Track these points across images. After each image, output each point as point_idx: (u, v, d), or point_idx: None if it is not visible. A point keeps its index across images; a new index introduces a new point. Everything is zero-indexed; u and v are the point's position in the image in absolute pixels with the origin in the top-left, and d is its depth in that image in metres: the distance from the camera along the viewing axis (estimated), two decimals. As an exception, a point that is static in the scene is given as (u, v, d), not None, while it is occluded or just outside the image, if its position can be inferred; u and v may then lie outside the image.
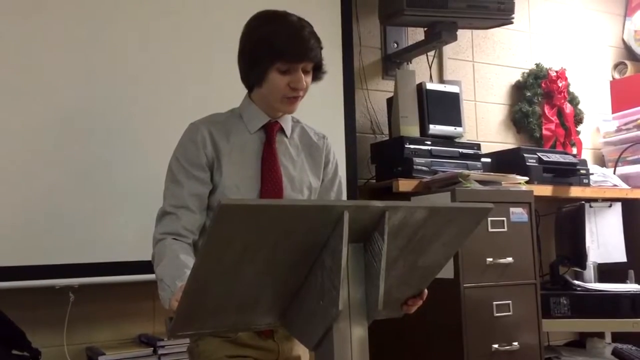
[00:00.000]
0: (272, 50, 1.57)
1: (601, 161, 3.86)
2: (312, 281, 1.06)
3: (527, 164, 3.06)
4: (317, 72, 1.68)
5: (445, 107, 2.95)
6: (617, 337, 3.13)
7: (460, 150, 2.91)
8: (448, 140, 2.92)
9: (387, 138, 3.03)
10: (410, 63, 3.27)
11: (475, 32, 3.53)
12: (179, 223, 1.58)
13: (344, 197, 1.89)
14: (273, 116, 1.72)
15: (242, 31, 1.68)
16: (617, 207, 3.40)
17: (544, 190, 3.06)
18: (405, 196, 2.66)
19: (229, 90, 1.78)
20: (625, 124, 3.74)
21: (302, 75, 1.61)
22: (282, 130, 1.74)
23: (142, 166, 2.30)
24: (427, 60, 3.30)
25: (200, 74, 2.47)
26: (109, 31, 2.35)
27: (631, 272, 3.05)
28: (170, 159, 1.68)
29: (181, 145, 1.68)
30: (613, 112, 3.86)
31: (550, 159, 3.14)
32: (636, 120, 3.68)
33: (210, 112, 1.77)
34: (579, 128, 3.73)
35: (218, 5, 2.55)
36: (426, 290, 1.33)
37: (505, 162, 3.10)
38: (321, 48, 1.65)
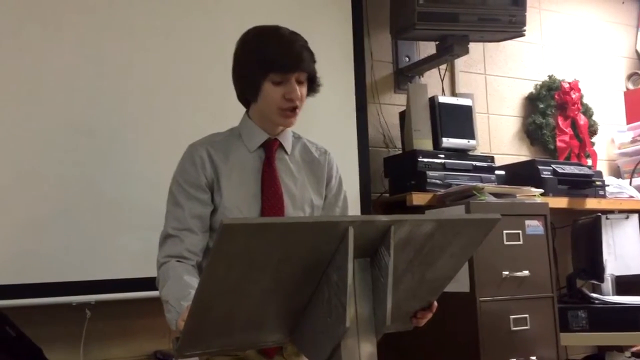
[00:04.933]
0: (265, 61, 1.59)
1: (617, 172, 3.83)
2: (319, 298, 1.06)
3: (542, 176, 3.05)
4: (312, 84, 1.69)
5: (458, 120, 2.95)
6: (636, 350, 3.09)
7: (474, 163, 2.90)
8: (461, 153, 2.92)
9: (400, 152, 3.04)
10: (422, 77, 3.28)
11: (487, 44, 3.53)
12: (182, 245, 1.59)
13: (349, 212, 1.88)
14: (272, 133, 1.72)
15: (236, 47, 1.70)
16: (634, 219, 3.36)
17: (560, 202, 3.04)
18: (419, 210, 2.66)
19: (237, 106, 1.79)
20: (640, 134, 3.72)
21: (296, 86, 1.61)
22: (282, 147, 1.74)
23: (157, 182, 2.31)
24: (439, 73, 3.30)
25: (213, 92, 2.48)
26: (116, 46, 2.37)
27: (650, 285, 3.02)
28: (170, 182, 1.69)
29: (180, 167, 1.69)
30: (628, 123, 3.84)
31: (565, 171, 3.12)
32: (651, 130, 3.66)
33: (224, 129, 1.79)
34: (594, 139, 3.71)
35: (226, 22, 2.57)
36: (436, 303, 1.32)
37: (520, 174, 3.08)
38: (314, 61, 1.66)
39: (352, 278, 0.99)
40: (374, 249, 1.07)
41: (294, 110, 1.65)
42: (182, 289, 1.44)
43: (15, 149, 2.18)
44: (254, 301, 1.03)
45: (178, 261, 1.57)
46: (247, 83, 1.66)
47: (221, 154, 1.69)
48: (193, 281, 1.47)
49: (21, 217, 2.16)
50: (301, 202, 1.72)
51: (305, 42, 1.64)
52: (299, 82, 1.63)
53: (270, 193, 1.67)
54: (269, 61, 1.59)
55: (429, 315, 1.34)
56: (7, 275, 2.10)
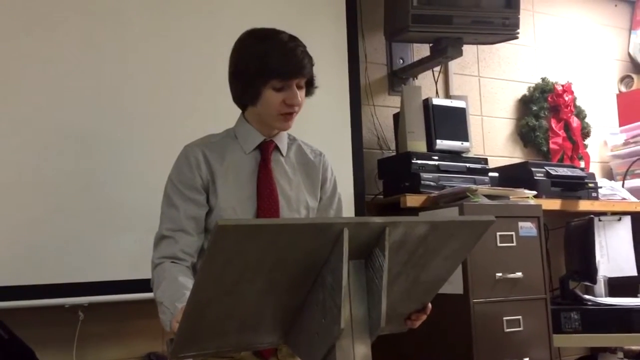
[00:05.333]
0: (267, 68, 1.59)
1: (609, 174, 3.85)
2: (313, 299, 1.06)
3: (535, 178, 3.05)
4: (310, 87, 1.70)
5: (451, 122, 2.95)
6: (629, 351, 3.10)
7: (468, 165, 2.90)
8: (455, 155, 2.92)
9: (394, 154, 3.04)
10: (416, 79, 3.29)
11: (481, 47, 3.54)
12: (176, 246, 1.59)
13: (344, 214, 1.88)
14: (268, 135, 1.73)
15: (233, 50, 1.69)
16: (627, 221, 3.37)
17: (553, 204, 3.05)
18: (413, 211, 2.66)
19: (232, 107, 1.79)
20: (633, 137, 3.74)
21: (297, 91, 1.62)
22: (277, 149, 1.75)
23: (151, 185, 2.29)
24: (433, 75, 3.31)
25: (210, 94, 2.48)
26: (117, 50, 2.37)
27: (642, 286, 3.03)
28: (165, 183, 1.69)
29: (176, 168, 1.68)
30: (620, 125, 3.85)
31: (558, 173, 3.13)
32: (644, 133, 3.68)
33: (217, 131, 1.79)
34: (587, 142, 3.73)
35: (222, 24, 2.57)
36: (430, 305, 1.33)
37: (513, 176, 3.08)
38: (312, 64, 1.66)
39: (347, 279, 0.99)
40: (368, 251, 1.07)
41: (292, 114, 1.66)
42: (176, 290, 1.44)
43: (10, 151, 2.17)
44: (248, 302, 1.03)
45: (173, 262, 1.57)
46: (246, 88, 1.65)
47: (217, 155, 1.68)
48: (187, 282, 1.47)
49: (14, 219, 2.15)
50: (296, 203, 1.72)
51: (305, 46, 1.64)
52: (299, 87, 1.64)
53: (265, 194, 1.67)
54: (271, 68, 1.59)
55: (423, 317, 1.34)
56: (-1, 277, 2.10)
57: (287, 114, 1.65)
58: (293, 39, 1.64)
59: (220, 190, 1.65)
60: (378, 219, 1.02)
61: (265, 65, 1.59)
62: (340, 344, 1.05)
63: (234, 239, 0.90)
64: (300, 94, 1.64)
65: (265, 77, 1.60)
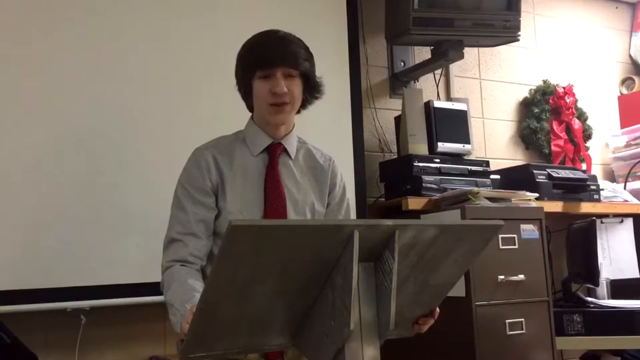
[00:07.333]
0: (251, 58, 1.62)
1: (611, 176, 3.85)
2: (323, 301, 1.06)
3: (537, 180, 3.05)
4: (308, 83, 1.69)
5: (453, 124, 2.95)
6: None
7: (469, 167, 2.90)
8: (457, 157, 2.92)
9: (396, 156, 3.04)
10: (418, 81, 3.29)
11: (482, 49, 3.54)
12: (186, 250, 1.59)
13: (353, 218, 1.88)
14: (275, 137, 1.73)
15: None
16: (629, 223, 3.37)
17: (555, 206, 3.04)
18: (415, 214, 2.66)
19: (240, 111, 1.79)
20: (635, 139, 3.73)
21: (282, 80, 1.61)
22: (285, 152, 1.75)
23: (153, 188, 2.31)
24: (434, 78, 3.31)
25: (211, 96, 2.48)
26: (119, 52, 2.38)
27: (645, 288, 3.03)
28: (175, 186, 1.70)
29: (186, 171, 1.69)
30: (622, 128, 3.85)
31: (560, 175, 3.13)
32: (645, 135, 3.68)
33: (222, 134, 1.79)
34: (588, 144, 3.72)
35: (223, 29, 2.57)
36: (438, 309, 1.33)
37: (515, 178, 3.09)
38: (307, 59, 1.65)
39: (357, 282, 0.99)
40: (377, 254, 1.07)
41: (282, 105, 1.64)
42: (186, 292, 1.45)
43: (11, 154, 2.17)
44: (259, 303, 1.03)
45: (182, 265, 1.58)
46: (242, 83, 1.69)
47: (226, 158, 1.69)
48: (197, 285, 1.48)
49: (16, 223, 2.14)
50: (303, 207, 1.72)
51: (300, 41, 1.65)
52: (290, 77, 1.63)
53: (272, 197, 1.67)
54: (253, 57, 1.62)
55: (431, 322, 1.34)
56: (1, 281, 2.09)
57: (277, 105, 1.64)
58: (288, 34, 1.65)
59: (228, 193, 1.66)
60: (388, 222, 1.02)
61: (249, 56, 1.62)
62: (350, 346, 1.05)
63: (247, 239, 0.90)
64: (290, 84, 1.63)
65: (251, 67, 1.62)
